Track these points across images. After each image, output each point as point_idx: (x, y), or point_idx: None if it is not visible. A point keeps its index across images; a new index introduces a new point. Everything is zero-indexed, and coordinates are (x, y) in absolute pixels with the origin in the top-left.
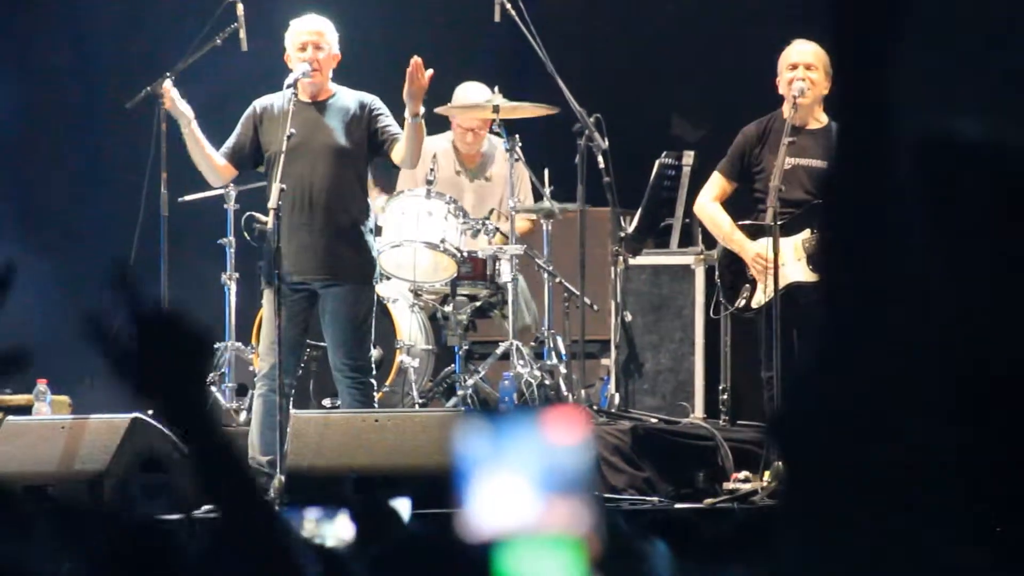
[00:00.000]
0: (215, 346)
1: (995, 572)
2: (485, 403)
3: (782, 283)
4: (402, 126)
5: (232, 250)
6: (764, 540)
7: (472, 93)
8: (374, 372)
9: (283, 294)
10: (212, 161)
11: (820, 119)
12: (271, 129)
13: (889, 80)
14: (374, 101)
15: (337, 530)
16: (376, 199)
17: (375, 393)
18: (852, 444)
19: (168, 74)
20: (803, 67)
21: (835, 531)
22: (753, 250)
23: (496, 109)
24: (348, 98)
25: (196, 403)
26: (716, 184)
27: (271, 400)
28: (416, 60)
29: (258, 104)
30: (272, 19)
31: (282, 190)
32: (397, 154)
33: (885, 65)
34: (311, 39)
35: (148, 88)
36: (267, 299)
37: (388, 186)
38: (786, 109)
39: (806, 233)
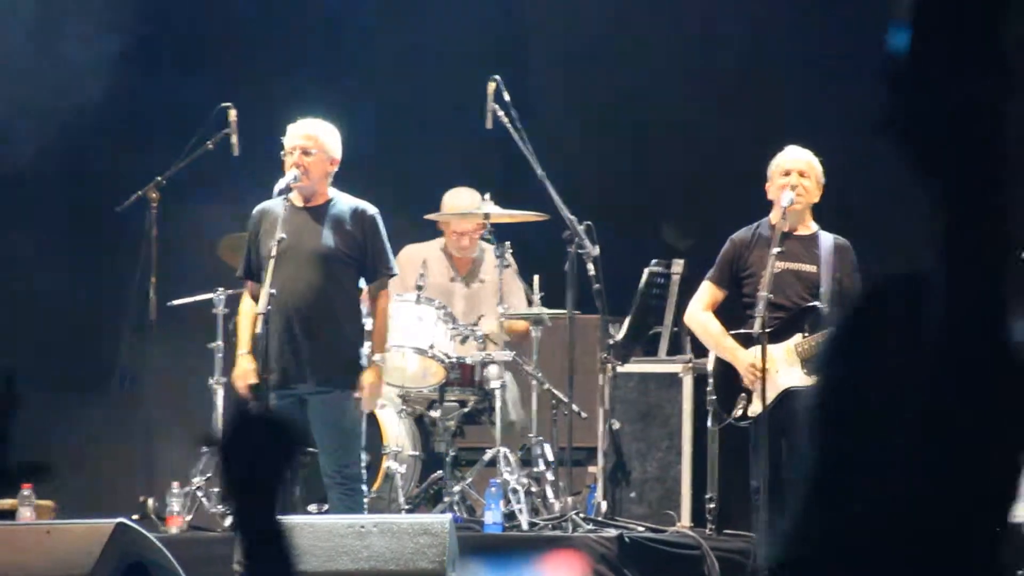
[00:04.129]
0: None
1: None
2: (472, 511)
3: (776, 391)
4: (386, 269)
5: (220, 355)
6: None
7: (462, 198)
8: (365, 478)
9: (271, 399)
10: (253, 316)
11: (809, 226)
12: (267, 233)
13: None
14: (371, 220)
15: None
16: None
17: (365, 499)
18: None
19: (159, 179)
20: (796, 174)
21: None
22: (746, 360)
23: (487, 216)
24: (344, 205)
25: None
26: (706, 293)
27: None
28: None
29: (257, 210)
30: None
31: (271, 295)
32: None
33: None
34: (299, 144)
35: (139, 192)
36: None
37: None
38: (774, 215)
39: (797, 337)
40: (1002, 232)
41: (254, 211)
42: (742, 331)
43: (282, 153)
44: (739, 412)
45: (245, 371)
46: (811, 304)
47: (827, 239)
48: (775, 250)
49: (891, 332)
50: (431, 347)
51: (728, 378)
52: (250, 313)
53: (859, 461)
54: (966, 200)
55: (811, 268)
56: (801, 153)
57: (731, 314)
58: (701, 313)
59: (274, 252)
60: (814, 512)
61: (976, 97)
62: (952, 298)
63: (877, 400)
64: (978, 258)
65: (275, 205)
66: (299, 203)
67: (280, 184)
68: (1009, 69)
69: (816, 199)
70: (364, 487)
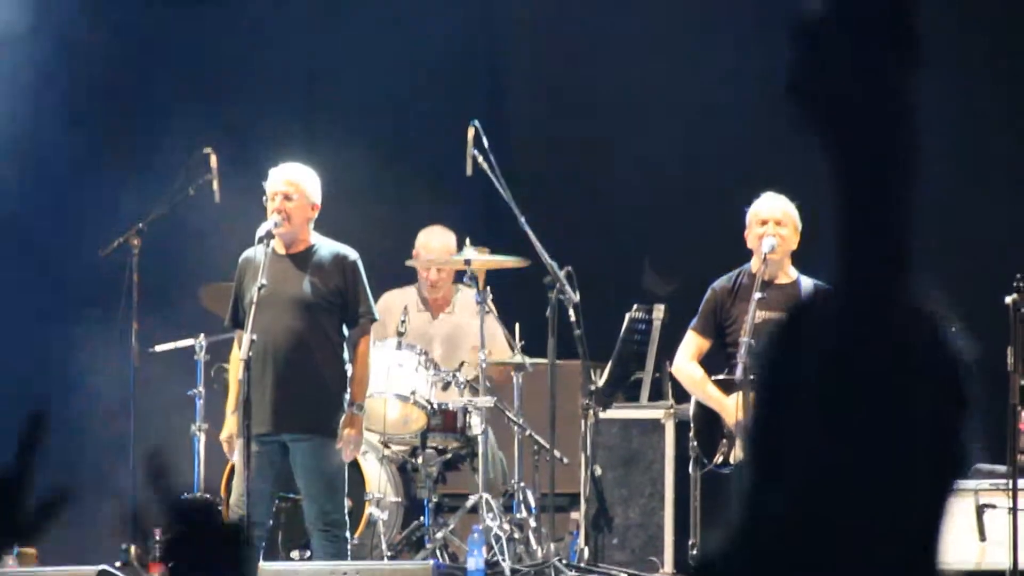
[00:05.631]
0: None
1: None
2: (455, 557)
3: None
4: (367, 314)
5: (202, 401)
6: None
7: (433, 237)
8: (348, 525)
9: (252, 445)
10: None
11: (789, 274)
12: (249, 280)
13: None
14: (352, 265)
15: None
16: None
17: (347, 546)
18: None
19: (141, 224)
20: (773, 223)
21: None
22: (732, 405)
23: (468, 261)
24: (326, 250)
25: None
26: (692, 343)
27: None
28: None
29: (242, 257)
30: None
31: (252, 341)
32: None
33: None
34: (281, 189)
35: (121, 238)
36: (237, 450)
37: None
38: (755, 263)
39: None
40: (902, 210)
41: (240, 259)
42: (723, 377)
43: (264, 199)
44: (720, 458)
45: (230, 435)
46: None
47: (808, 286)
48: (756, 295)
49: (806, 336)
50: (412, 393)
51: (709, 424)
52: (237, 363)
53: (775, 457)
54: (866, 167)
55: None
56: (777, 201)
57: (714, 362)
58: (687, 364)
59: (255, 299)
60: (740, 509)
61: (882, 65)
62: (850, 286)
63: (789, 400)
64: (878, 234)
65: (258, 252)
66: (281, 250)
67: (260, 230)
68: (916, 42)
69: (794, 246)
70: (347, 533)
